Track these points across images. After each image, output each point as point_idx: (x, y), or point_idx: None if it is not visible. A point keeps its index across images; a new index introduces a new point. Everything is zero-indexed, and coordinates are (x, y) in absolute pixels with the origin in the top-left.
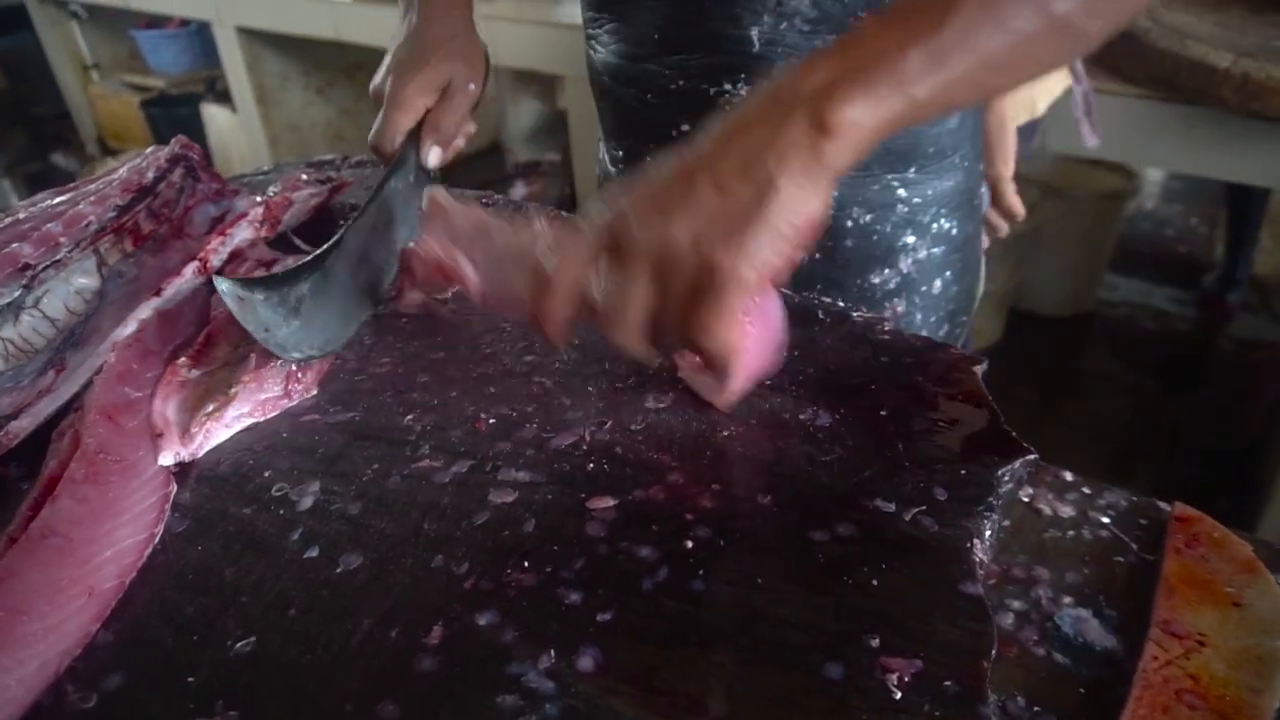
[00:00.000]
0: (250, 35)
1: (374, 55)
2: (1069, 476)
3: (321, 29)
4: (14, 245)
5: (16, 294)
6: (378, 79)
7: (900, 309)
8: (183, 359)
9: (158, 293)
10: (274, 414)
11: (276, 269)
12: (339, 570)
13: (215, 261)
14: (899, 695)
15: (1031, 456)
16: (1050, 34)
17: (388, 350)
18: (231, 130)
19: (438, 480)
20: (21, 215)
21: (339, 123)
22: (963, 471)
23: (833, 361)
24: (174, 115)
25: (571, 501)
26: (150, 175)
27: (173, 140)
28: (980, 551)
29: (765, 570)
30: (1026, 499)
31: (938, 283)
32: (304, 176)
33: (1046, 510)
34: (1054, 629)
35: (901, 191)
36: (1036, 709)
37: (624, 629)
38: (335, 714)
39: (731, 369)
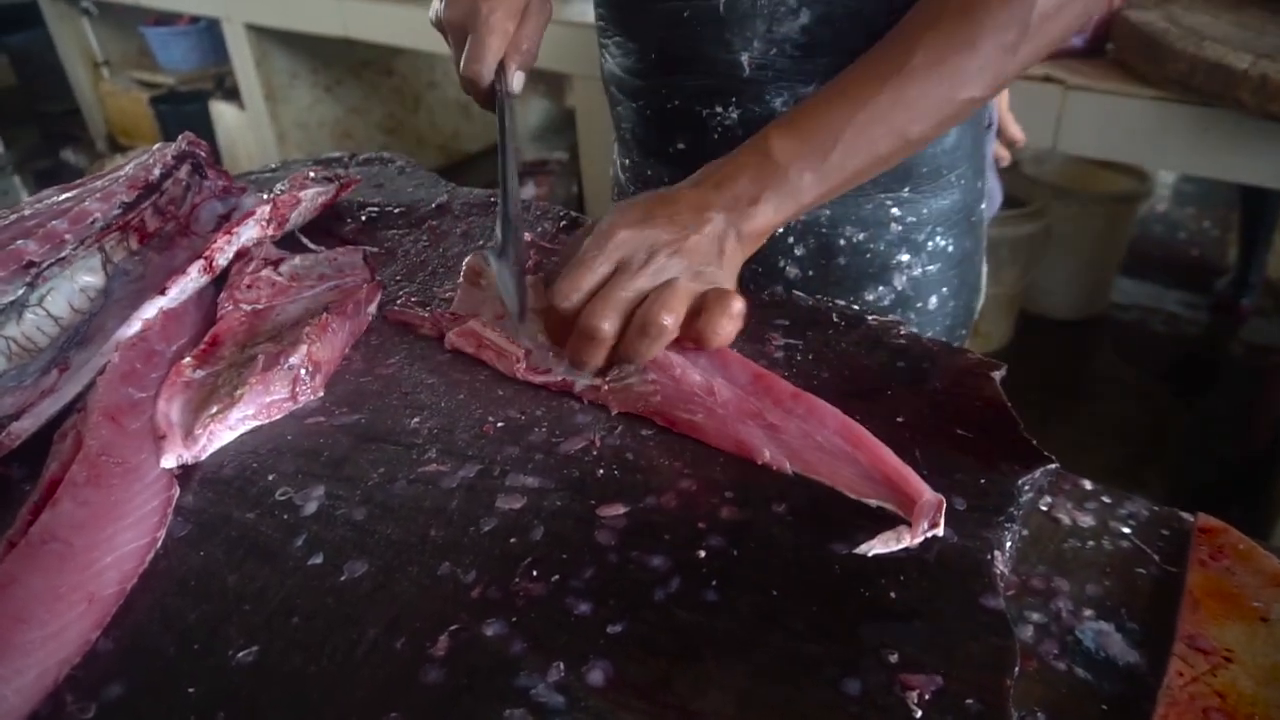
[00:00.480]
0: (259, 32)
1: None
2: (1088, 485)
3: (330, 26)
4: (19, 242)
5: (20, 292)
6: (437, 6)
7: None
8: (187, 359)
9: (163, 291)
10: (279, 416)
11: (283, 268)
12: (344, 578)
13: (221, 260)
14: (919, 714)
15: (1053, 465)
16: (910, 149)
17: (394, 351)
18: (240, 127)
19: (445, 485)
20: (27, 212)
21: (347, 120)
22: (982, 481)
23: (847, 366)
24: (183, 112)
25: (581, 508)
26: (157, 172)
27: (179, 137)
28: (1001, 564)
29: (780, 581)
30: (1045, 508)
31: (934, 299)
32: (311, 174)
33: (1066, 520)
34: (1075, 643)
35: (895, 210)
36: None
37: (635, 641)
38: None
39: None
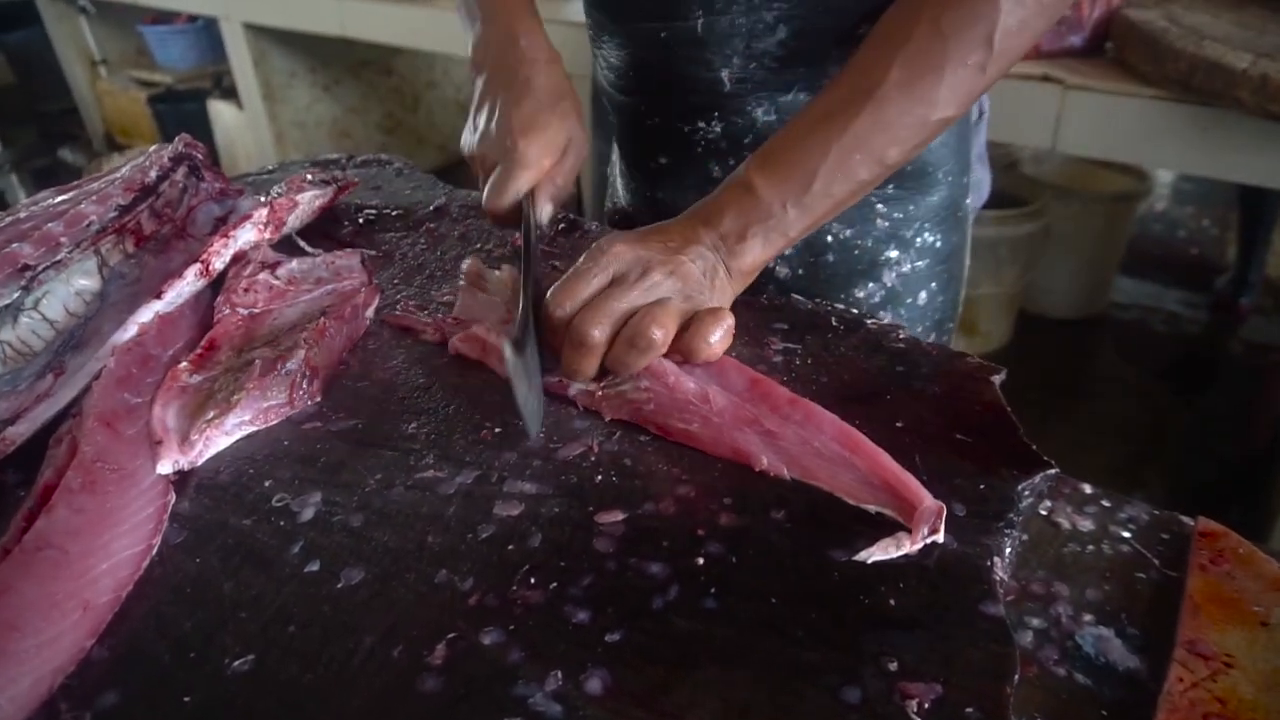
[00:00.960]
0: (257, 31)
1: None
2: (1088, 489)
3: (328, 25)
4: (14, 245)
5: (15, 295)
6: (472, 141)
7: (887, 321)
8: (184, 364)
9: (159, 295)
10: (275, 421)
11: (280, 271)
12: (340, 585)
13: (217, 264)
14: None
15: (1052, 470)
16: (888, 173)
17: (392, 355)
18: (238, 127)
19: (442, 491)
20: (22, 214)
21: (346, 120)
22: (982, 486)
23: (847, 370)
24: (181, 111)
25: (579, 515)
26: (153, 174)
27: (176, 139)
28: (1000, 570)
29: (779, 589)
30: (1044, 512)
31: (923, 294)
32: (309, 177)
33: (1065, 524)
34: (1075, 648)
35: (881, 207)
36: None
37: (633, 649)
38: None
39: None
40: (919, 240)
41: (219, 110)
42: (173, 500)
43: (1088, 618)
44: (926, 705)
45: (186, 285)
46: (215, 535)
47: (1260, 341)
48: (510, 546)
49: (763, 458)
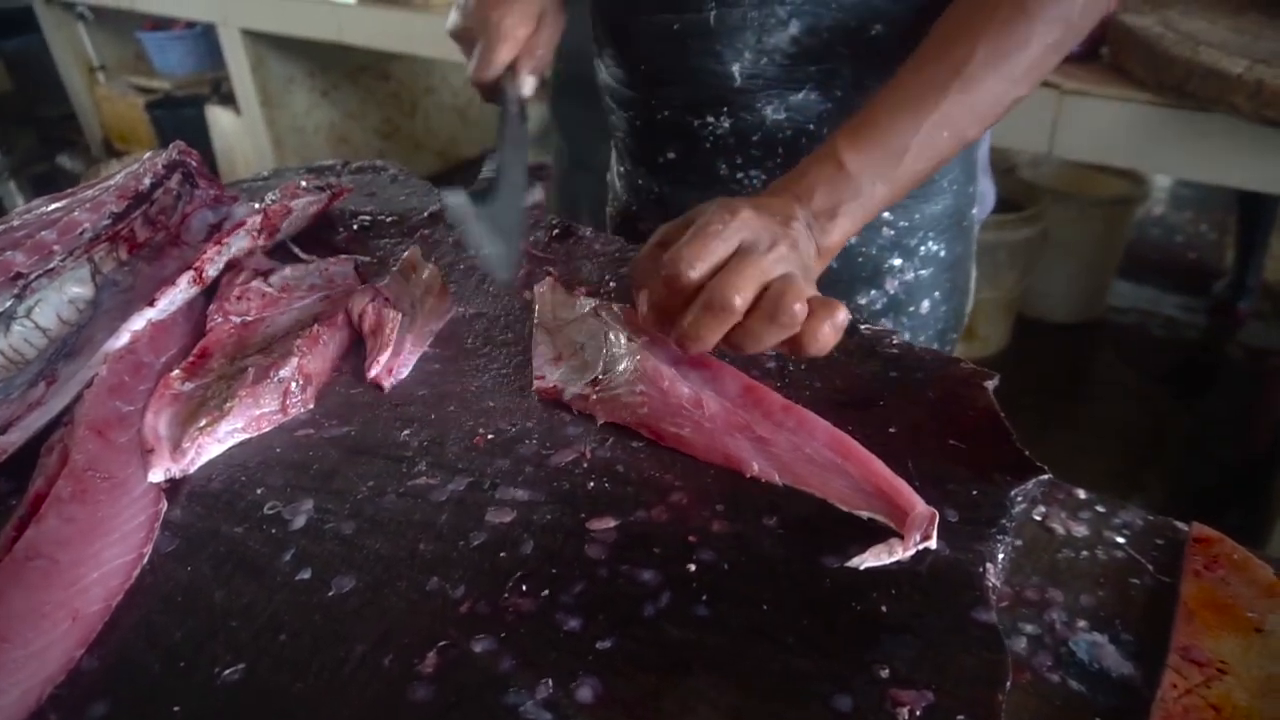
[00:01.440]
0: (255, 37)
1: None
2: (1082, 494)
3: (326, 31)
4: (7, 253)
5: (8, 303)
6: (455, 18)
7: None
8: (176, 371)
9: (152, 303)
10: (268, 429)
11: (273, 279)
12: (331, 593)
13: (211, 271)
14: None
15: (1045, 476)
16: (961, 150)
17: None
18: (236, 133)
19: (435, 499)
20: (15, 222)
21: (343, 125)
22: (974, 492)
23: (840, 375)
24: (179, 117)
25: (571, 522)
26: (147, 181)
27: (170, 145)
28: (993, 576)
29: (771, 595)
30: (1039, 518)
31: (926, 303)
32: (303, 183)
33: (1059, 530)
34: (1068, 654)
35: (887, 214)
36: None
37: (624, 657)
38: None
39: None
40: (923, 249)
41: (217, 116)
42: (164, 508)
43: (1082, 624)
44: (918, 713)
45: (180, 292)
46: (207, 543)
47: (1259, 346)
48: (502, 554)
49: (753, 464)
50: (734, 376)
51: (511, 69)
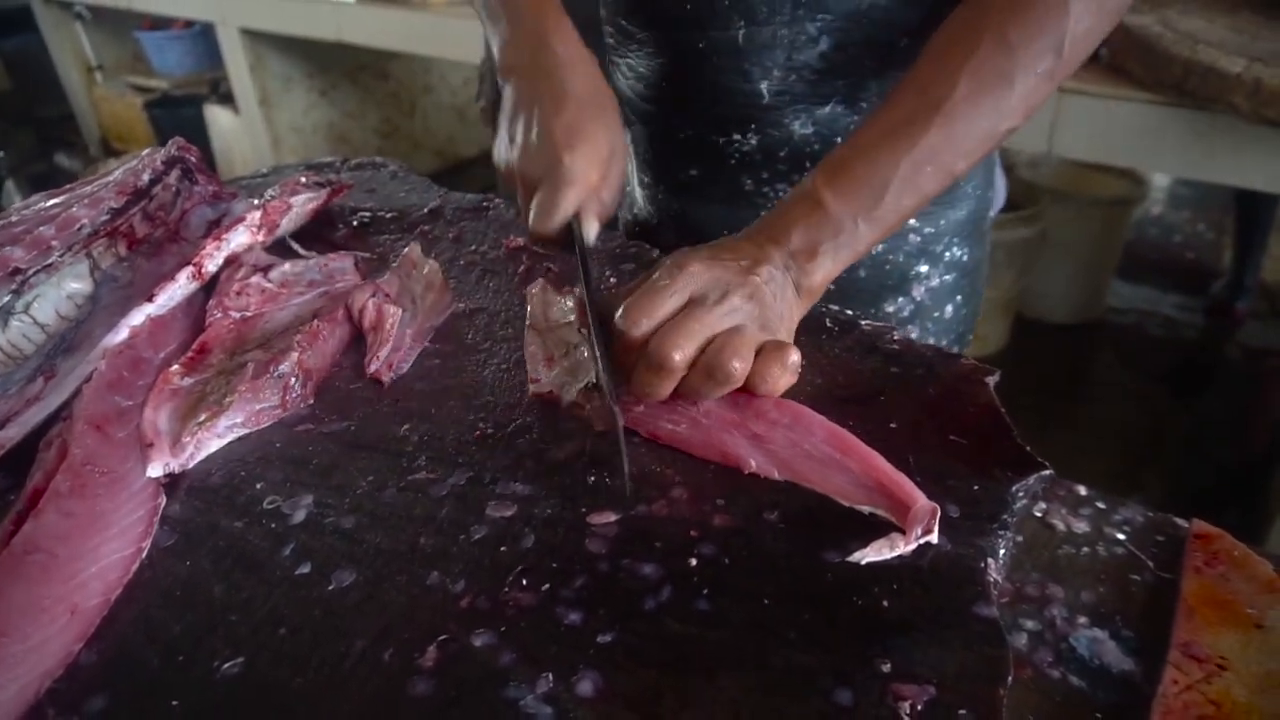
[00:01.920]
0: (254, 37)
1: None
2: (1083, 491)
3: (324, 30)
4: (5, 249)
5: (6, 298)
6: (507, 154)
7: (913, 335)
8: (175, 367)
9: (151, 298)
10: (267, 424)
11: (273, 274)
12: (331, 588)
13: (210, 267)
14: None
15: (1047, 472)
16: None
17: None
18: (235, 132)
19: (435, 493)
20: (14, 218)
21: (342, 124)
22: (976, 488)
23: (841, 371)
24: (177, 117)
25: (572, 516)
26: (146, 177)
27: (169, 142)
28: (994, 572)
29: (772, 590)
30: (1039, 514)
31: (949, 308)
32: (303, 180)
33: (1060, 526)
34: (1069, 650)
35: (914, 222)
36: None
37: (625, 651)
38: None
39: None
40: (947, 254)
41: (216, 115)
42: (163, 503)
43: (1082, 620)
44: (919, 707)
45: (179, 288)
46: (206, 538)
47: (1257, 346)
48: (503, 548)
49: (751, 460)
50: None
51: (575, 214)
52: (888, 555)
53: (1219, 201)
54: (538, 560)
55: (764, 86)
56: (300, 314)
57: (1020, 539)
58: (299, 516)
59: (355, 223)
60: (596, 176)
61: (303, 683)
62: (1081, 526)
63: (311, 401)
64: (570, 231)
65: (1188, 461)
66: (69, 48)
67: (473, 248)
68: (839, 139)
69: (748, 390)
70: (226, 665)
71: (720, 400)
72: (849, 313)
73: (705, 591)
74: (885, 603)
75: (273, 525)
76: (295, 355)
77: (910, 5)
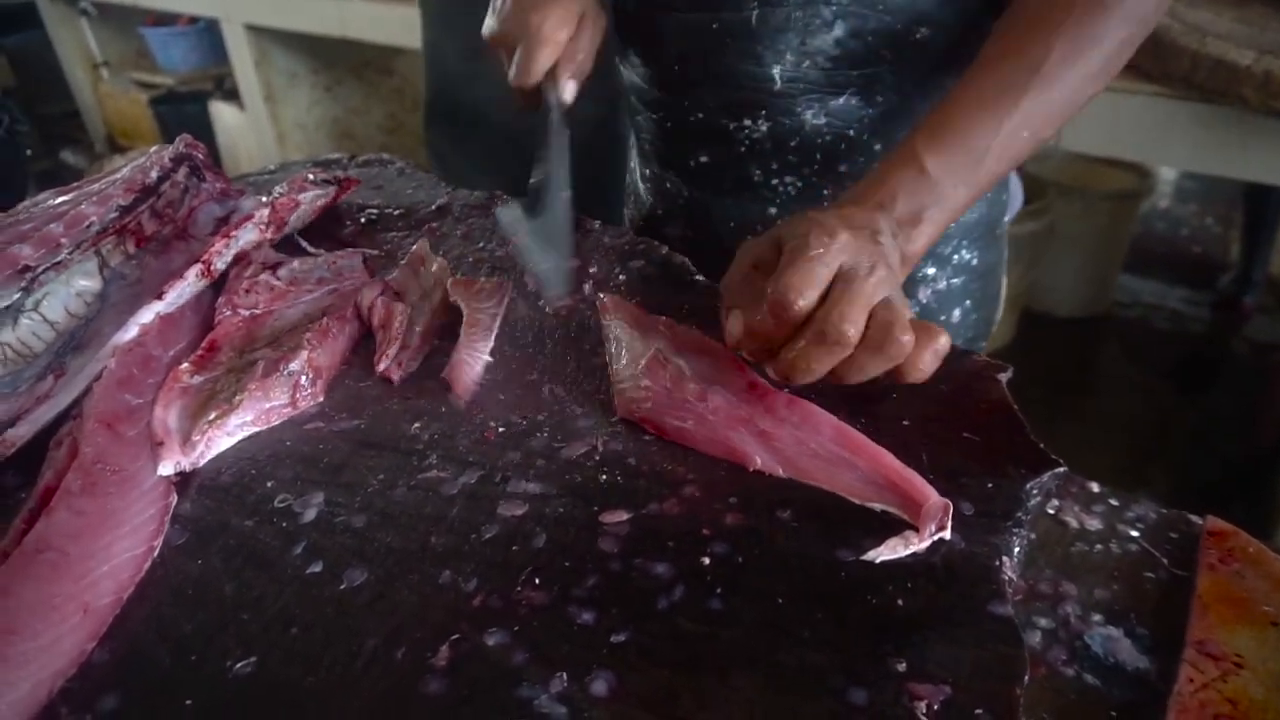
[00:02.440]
0: (258, 32)
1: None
2: (1095, 488)
3: (329, 26)
4: (14, 246)
5: (15, 297)
6: (492, 24)
7: None
8: (185, 364)
9: (160, 296)
10: (277, 422)
11: (282, 272)
12: (343, 586)
13: (219, 264)
14: None
15: (1061, 469)
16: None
17: None
18: (240, 128)
19: (446, 492)
20: (22, 216)
21: (347, 120)
22: (989, 485)
23: None
24: (182, 113)
25: (584, 515)
26: (154, 175)
27: (177, 139)
28: (1009, 570)
29: (785, 589)
30: (1052, 511)
31: (957, 312)
32: (310, 177)
33: (1073, 523)
34: (1083, 648)
35: None
36: None
37: (638, 651)
38: None
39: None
40: (956, 257)
41: (221, 112)
42: (174, 502)
43: (1096, 617)
44: (935, 707)
45: (188, 286)
46: (217, 536)
47: (1264, 340)
48: (514, 547)
49: (757, 458)
50: (740, 372)
51: (551, 74)
52: (902, 553)
53: (1226, 195)
54: (550, 559)
55: (776, 71)
56: (309, 312)
57: (1033, 536)
58: (310, 515)
59: (363, 220)
60: (564, 35)
61: (315, 681)
62: (1094, 523)
63: (321, 399)
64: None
65: (1194, 456)
66: (74, 44)
67: (480, 245)
68: (852, 132)
69: (895, 377)
70: (239, 664)
71: (729, 396)
72: None
73: (718, 590)
74: (899, 601)
75: (283, 524)
76: (305, 353)
77: None
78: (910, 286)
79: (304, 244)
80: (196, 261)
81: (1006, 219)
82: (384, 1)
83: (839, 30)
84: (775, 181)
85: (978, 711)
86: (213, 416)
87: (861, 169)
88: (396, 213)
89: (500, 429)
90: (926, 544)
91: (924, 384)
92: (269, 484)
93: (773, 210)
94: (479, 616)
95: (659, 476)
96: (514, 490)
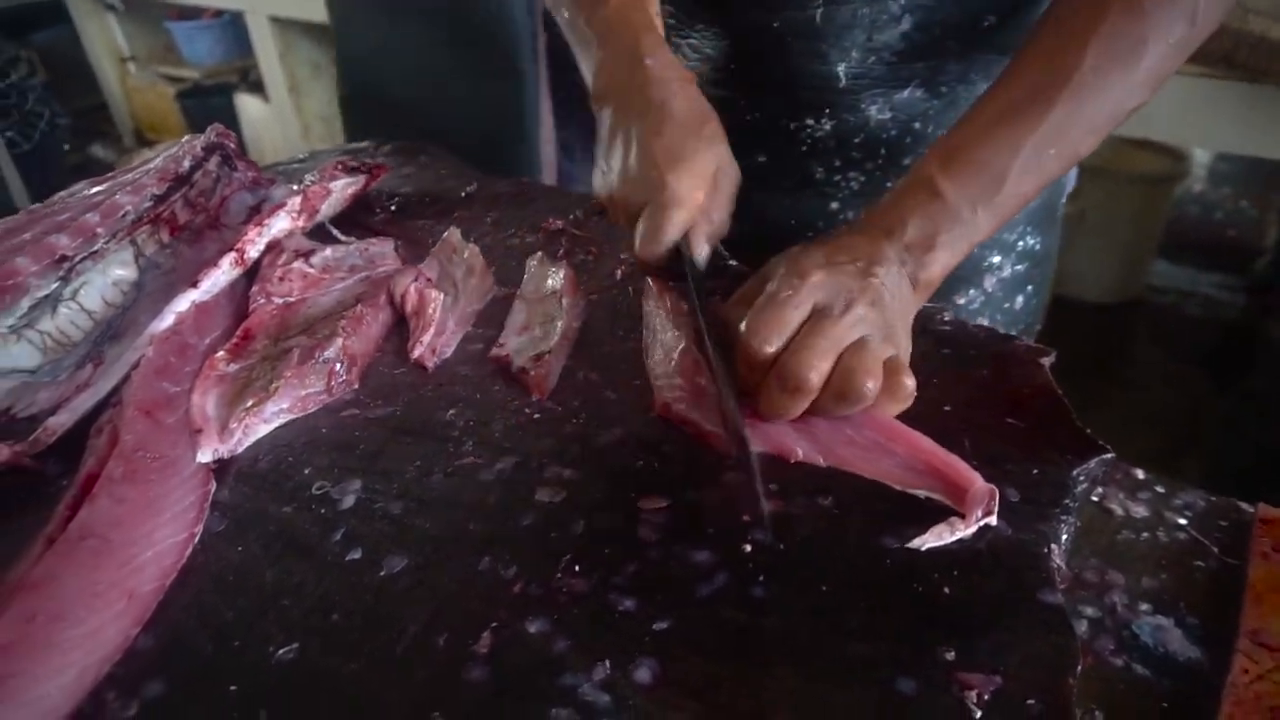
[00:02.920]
0: (283, 24)
1: None
2: (1140, 474)
3: None
4: (51, 236)
5: (54, 286)
6: (609, 179)
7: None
8: (220, 353)
9: (194, 284)
10: (313, 409)
11: (314, 260)
12: (382, 573)
13: (252, 252)
14: (979, 714)
15: (1108, 455)
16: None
17: None
18: (265, 120)
19: (482, 478)
20: (58, 206)
21: None
22: (1035, 471)
23: None
24: (208, 106)
25: (622, 501)
26: (186, 164)
27: (209, 128)
28: (1058, 557)
29: (830, 577)
30: (1096, 498)
31: (1019, 298)
32: (341, 165)
33: (1118, 510)
34: (1131, 638)
35: None
36: None
37: (681, 639)
38: None
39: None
40: (1020, 244)
41: (246, 104)
42: (213, 488)
43: (1144, 607)
44: (986, 697)
45: (222, 274)
46: (256, 523)
47: None
48: (553, 534)
49: (797, 449)
50: None
51: (685, 237)
52: (948, 539)
53: (1262, 177)
54: (589, 546)
55: (841, 69)
56: (343, 299)
57: (1079, 524)
58: (348, 502)
59: (393, 207)
60: (701, 196)
61: (356, 668)
62: (1140, 511)
63: (356, 386)
64: (679, 255)
65: (1227, 442)
66: (101, 39)
67: (511, 231)
68: (917, 125)
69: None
70: (280, 650)
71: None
72: None
73: (760, 578)
74: (945, 589)
75: (322, 510)
76: (340, 340)
77: None
78: (978, 277)
79: (335, 232)
80: (230, 250)
81: (1063, 201)
82: None
83: (906, 24)
84: (838, 178)
85: (1029, 702)
86: (250, 404)
87: None
88: (426, 200)
89: (535, 415)
90: (973, 530)
91: (965, 369)
92: (306, 471)
93: (834, 205)
94: (519, 604)
95: (695, 462)
96: (551, 477)
